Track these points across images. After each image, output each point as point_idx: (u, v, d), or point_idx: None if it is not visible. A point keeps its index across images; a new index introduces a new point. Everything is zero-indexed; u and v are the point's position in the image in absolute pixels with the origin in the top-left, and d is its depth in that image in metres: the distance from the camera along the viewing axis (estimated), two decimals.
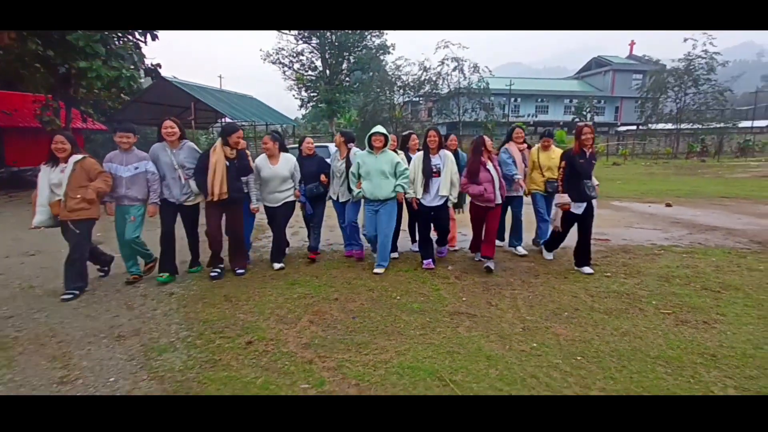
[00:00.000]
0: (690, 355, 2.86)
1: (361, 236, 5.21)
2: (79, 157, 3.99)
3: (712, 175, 17.30)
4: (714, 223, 7.21)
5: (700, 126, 31.30)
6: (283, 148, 4.93)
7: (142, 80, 15.50)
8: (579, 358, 2.84)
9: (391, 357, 2.89)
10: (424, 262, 4.84)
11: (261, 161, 4.83)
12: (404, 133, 5.66)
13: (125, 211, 4.23)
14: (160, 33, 14.17)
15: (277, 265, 4.82)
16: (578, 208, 4.51)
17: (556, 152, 5.34)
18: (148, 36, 14.25)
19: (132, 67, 13.52)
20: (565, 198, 4.52)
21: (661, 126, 34.35)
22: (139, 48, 14.22)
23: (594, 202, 4.54)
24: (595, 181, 4.52)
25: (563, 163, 4.58)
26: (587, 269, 4.59)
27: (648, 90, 33.56)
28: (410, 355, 2.92)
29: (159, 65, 15.04)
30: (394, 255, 5.24)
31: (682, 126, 32.12)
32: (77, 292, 3.99)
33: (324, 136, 28.96)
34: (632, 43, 44.99)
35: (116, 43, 13.48)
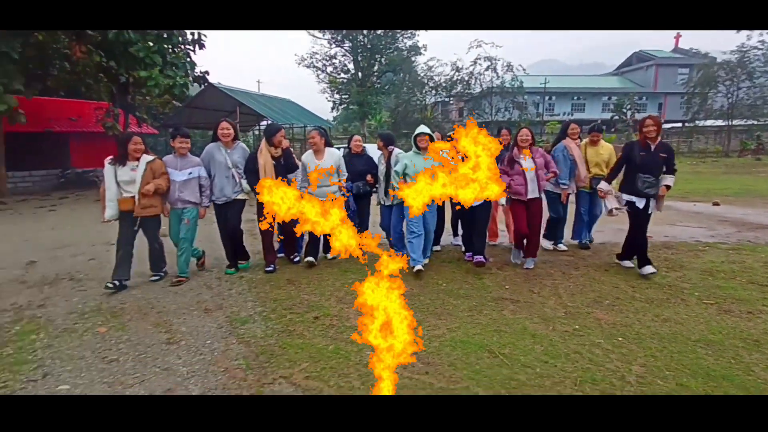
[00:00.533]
0: (732, 339, 3.03)
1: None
2: (150, 158, 4.32)
3: None
4: (766, 222, 7.08)
5: (755, 122, 29.64)
6: (329, 143, 5.18)
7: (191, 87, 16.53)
8: (620, 339, 3.07)
9: (444, 333, 3.22)
10: (467, 254, 5.07)
11: (307, 157, 5.04)
12: (449, 134, 5.91)
13: (178, 213, 4.49)
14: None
15: (330, 255, 5.23)
16: (640, 202, 4.33)
17: (605, 147, 5.35)
18: (196, 46, 15.27)
19: (185, 75, 14.50)
20: (602, 185, 4.63)
21: (709, 123, 32.79)
22: (190, 57, 15.21)
23: (652, 201, 4.34)
24: (667, 180, 4.31)
25: (620, 155, 4.55)
26: (628, 263, 4.66)
27: (695, 85, 32.10)
28: (461, 332, 3.24)
29: (207, 73, 16.03)
30: (437, 248, 5.51)
31: (734, 122, 30.53)
32: (162, 275, 4.55)
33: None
34: (678, 36, 43.13)
35: (171, 53, 14.47)
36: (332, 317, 3.53)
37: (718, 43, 35.69)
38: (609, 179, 4.69)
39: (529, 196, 4.61)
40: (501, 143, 5.03)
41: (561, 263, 4.93)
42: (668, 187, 4.33)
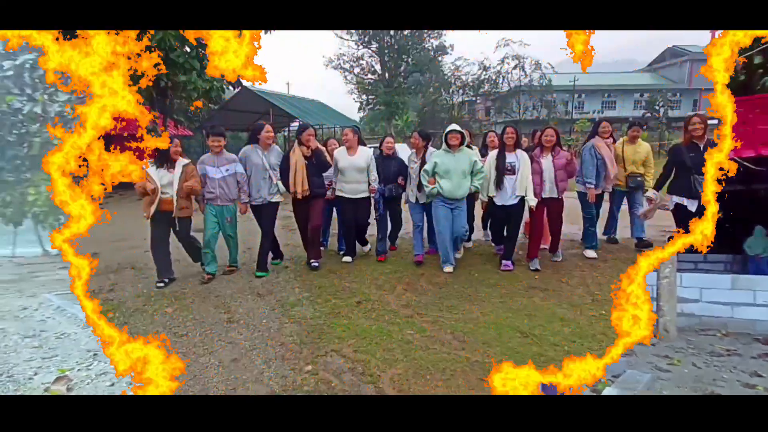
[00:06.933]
0: None
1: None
2: (186, 161, 4.45)
3: None
4: None
5: None
6: (362, 142, 5.24)
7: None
8: None
9: (477, 316, 3.50)
10: (497, 248, 5.13)
11: (339, 153, 5.06)
12: (485, 132, 6.01)
13: (218, 211, 4.55)
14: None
15: (367, 248, 5.47)
16: (692, 205, 4.12)
17: (643, 146, 5.29)
18: None
19: (221, 78, 15.22)
20: (651, 194, 4.37)
21: None
22: None
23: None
24: None
25: (669, 159, 4.35)
26: None
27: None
28: (493, 315, 3.51)
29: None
30: (468, 245, 5.60)
31: None
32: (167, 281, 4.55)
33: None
34: (714, 31, 41.50)
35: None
36: (373, 302, 3.86)
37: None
38: (659, 186, 4.49)
39: (544, 196, 4.62)
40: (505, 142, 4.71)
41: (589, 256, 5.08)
42: None
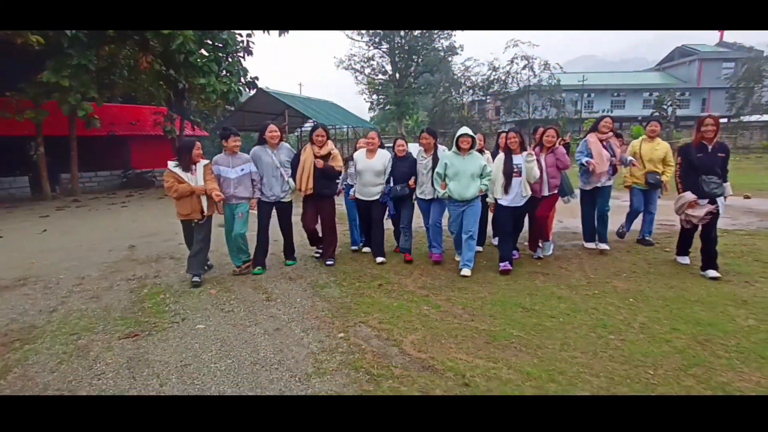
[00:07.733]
0: (724, 300, 3.67)
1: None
2: (205, 162, 4.57)
3: None
4: None
5: None
6: (381, 144, 5.34)
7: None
8: (631, 300, 3.76)
9: (485, 296, 4.00)
10: (501, 264, 4.68)
11: (358, 154, 5.28)
12: (498, 132, 6.31)
13: (233, 208, 4.72)
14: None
15: (379, 259, 5.19)
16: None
17: (662, 144, 5.36)
18: (245, 53, 16.54)
19: (238, 81, 15.83)
20: (686, 197, 4.27)
21: (755, 118, 31.55)
22: (242, 64, 16.52)
23: (720, 200, 4.23)
24: (728, 191, 4.27)
25: (680, 159, 4.38)
26: (712, 272, 4.24)
27: (741, 79, 31.02)
28: (500, 295, 4.01)
29: (256, 78, 17.30)
30: (479, 248, 5.41)
31: None
32: (199, 280, 4.58)
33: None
34: (722, 30, 41.38)
35: (226, 61, 15.83)
36: (393, 284, 4.38)
37: (765, 36, 34.21)
38: (688, 188, 4.31)
39: (543, 194, 4.86)
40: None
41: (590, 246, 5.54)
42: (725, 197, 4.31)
